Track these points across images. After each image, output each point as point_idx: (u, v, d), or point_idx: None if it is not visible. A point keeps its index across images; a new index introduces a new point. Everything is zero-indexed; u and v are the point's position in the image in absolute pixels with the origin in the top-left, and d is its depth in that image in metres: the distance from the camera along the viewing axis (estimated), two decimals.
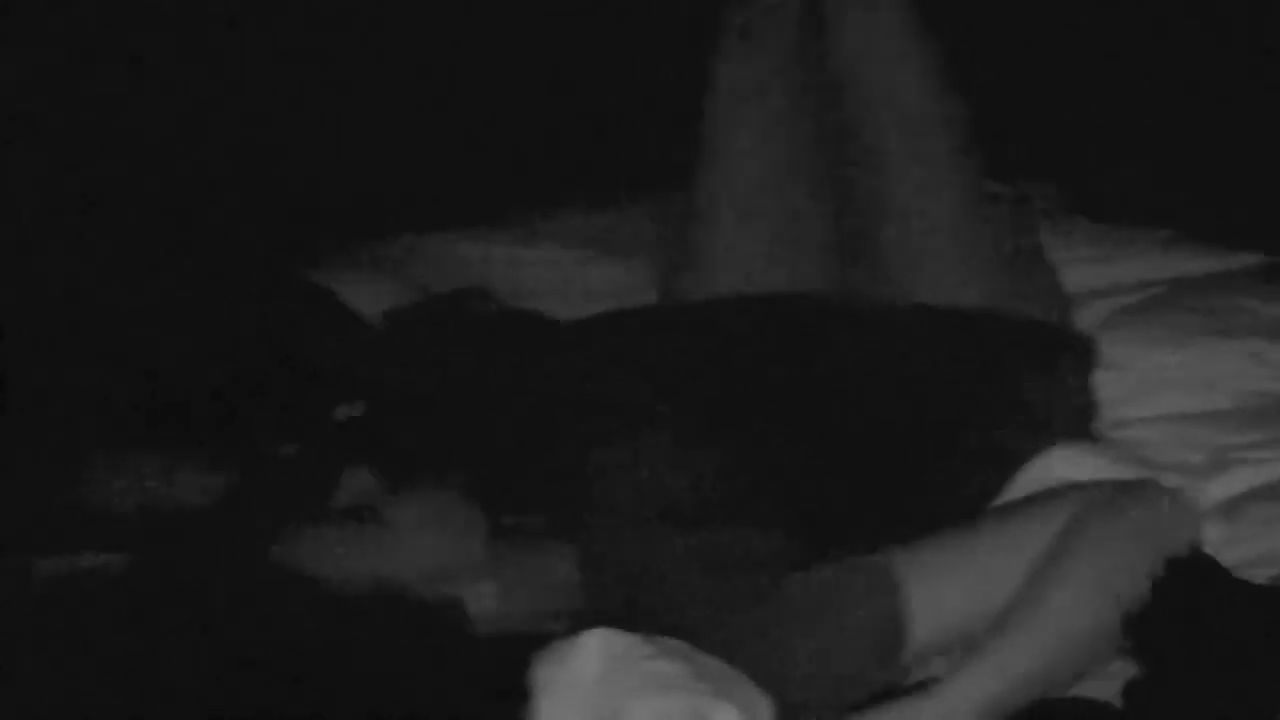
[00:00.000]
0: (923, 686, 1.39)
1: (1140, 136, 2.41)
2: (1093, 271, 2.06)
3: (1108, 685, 1.38)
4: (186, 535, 1.54)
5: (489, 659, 1.40)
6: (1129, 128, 2.43)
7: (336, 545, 1.42)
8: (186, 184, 2.36)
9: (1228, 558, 1.50)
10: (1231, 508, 1.64)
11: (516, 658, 1.39)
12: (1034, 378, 1.78)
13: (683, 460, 1.57)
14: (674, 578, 1.47)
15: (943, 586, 1.43)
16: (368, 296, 1.97)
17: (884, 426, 1.70)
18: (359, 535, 1.42)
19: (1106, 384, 1.84)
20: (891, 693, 1.40)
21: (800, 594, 1.43)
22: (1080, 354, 1.85)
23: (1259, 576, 1.48)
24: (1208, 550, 1.47)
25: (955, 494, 1.66)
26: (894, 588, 1.42)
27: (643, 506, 1.53)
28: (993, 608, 1.41)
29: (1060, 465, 1.65)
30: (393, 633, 1.37)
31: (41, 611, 1.45)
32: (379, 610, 1.38)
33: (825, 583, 1.44)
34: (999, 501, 1.64)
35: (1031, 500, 1.52)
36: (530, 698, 1.33)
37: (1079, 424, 1.80)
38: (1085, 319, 1.94)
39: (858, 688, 1.41)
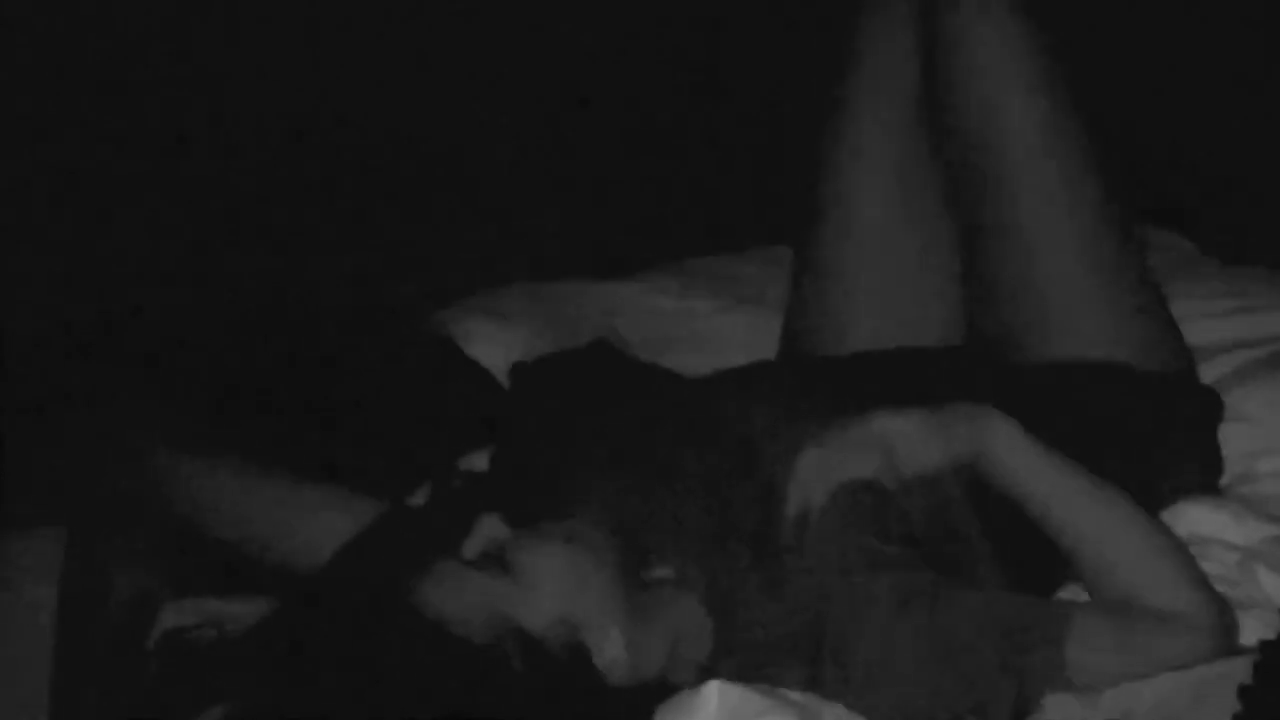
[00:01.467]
0: None
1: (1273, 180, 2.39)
2: (1224, 323, 2.02)
3: None
4: (318, 582, 1.58)
5: (614, 710, 1.42)
6: (1263, 172, 2.40)
7: (464, 593, 1.43)
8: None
9: None
10: None
11: (642, 709, 1.41)
12: (1162, 433, 1.76)
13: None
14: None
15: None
16: (489, 345, 1.99)
17: None
18: (487, 583, 1.43)
19: (1236, 437, 1.82)
20: None
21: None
22: (1207, 409, 1.83)
23: None
24: None
25: None
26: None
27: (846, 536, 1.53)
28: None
29: (1186, 520, 1.64)
30: (519, 681, 1.39)
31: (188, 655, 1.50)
32: (505, 659, 1.40)
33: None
34: None
35: None
36: None
37: (1205, 479, 1.78)
38: (1215, 371, 1.92)
39: None
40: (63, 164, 2.36)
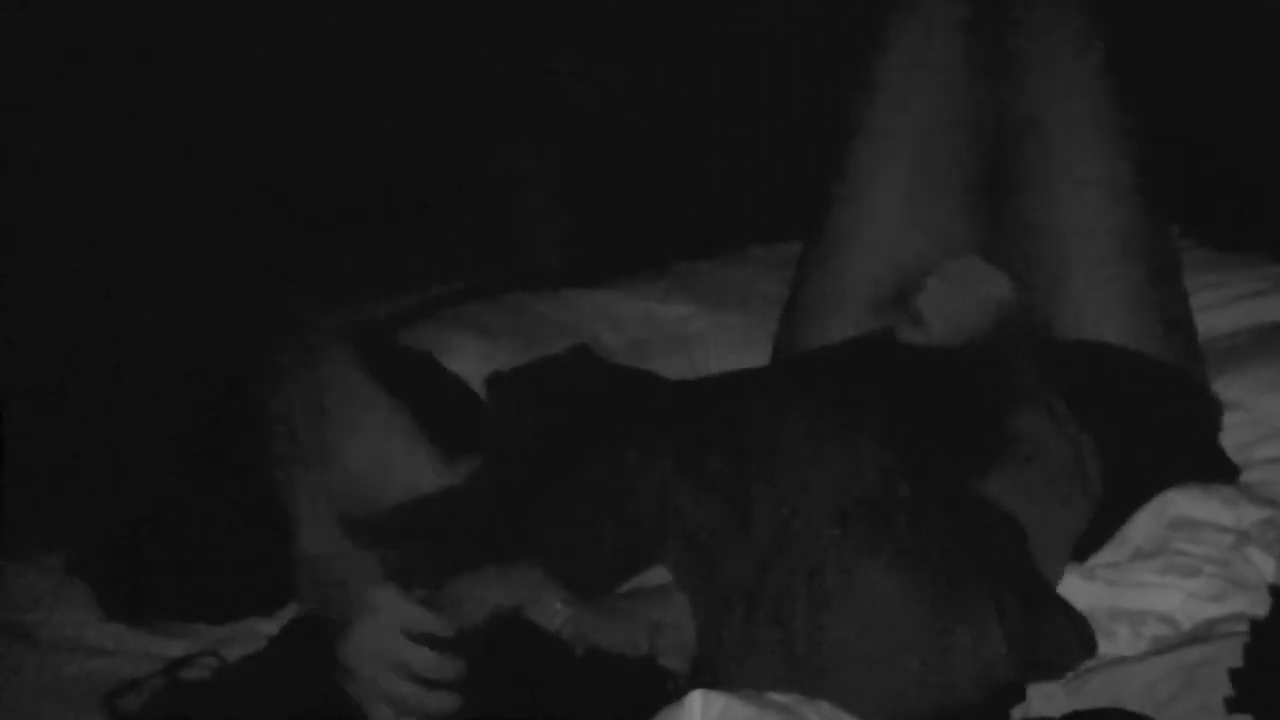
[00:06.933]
0: None
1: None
2: (1218, 312, 2.02)
3: None
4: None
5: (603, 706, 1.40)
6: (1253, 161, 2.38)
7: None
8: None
9: None
10: None
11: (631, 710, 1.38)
12: (1161, 423, 1.74)
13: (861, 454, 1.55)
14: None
15: None
16: (471, 357, 1.97)
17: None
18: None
19: (1226, 424, 1.80)
20: None
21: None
22: (1207, 411, 1.80)
23: None
24: None
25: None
26: None
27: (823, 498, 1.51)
28: None
29: (1177, 503, 1.62)
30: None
31: None
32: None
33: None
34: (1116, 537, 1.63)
35: None
36: None
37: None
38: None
39: None
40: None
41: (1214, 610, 1.49)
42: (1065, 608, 1.50)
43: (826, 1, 2.46)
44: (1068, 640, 1.46)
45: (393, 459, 1.64)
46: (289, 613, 1.68)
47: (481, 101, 2.59)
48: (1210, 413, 1.80)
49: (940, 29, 1.88)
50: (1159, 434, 1.74)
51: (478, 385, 1.88)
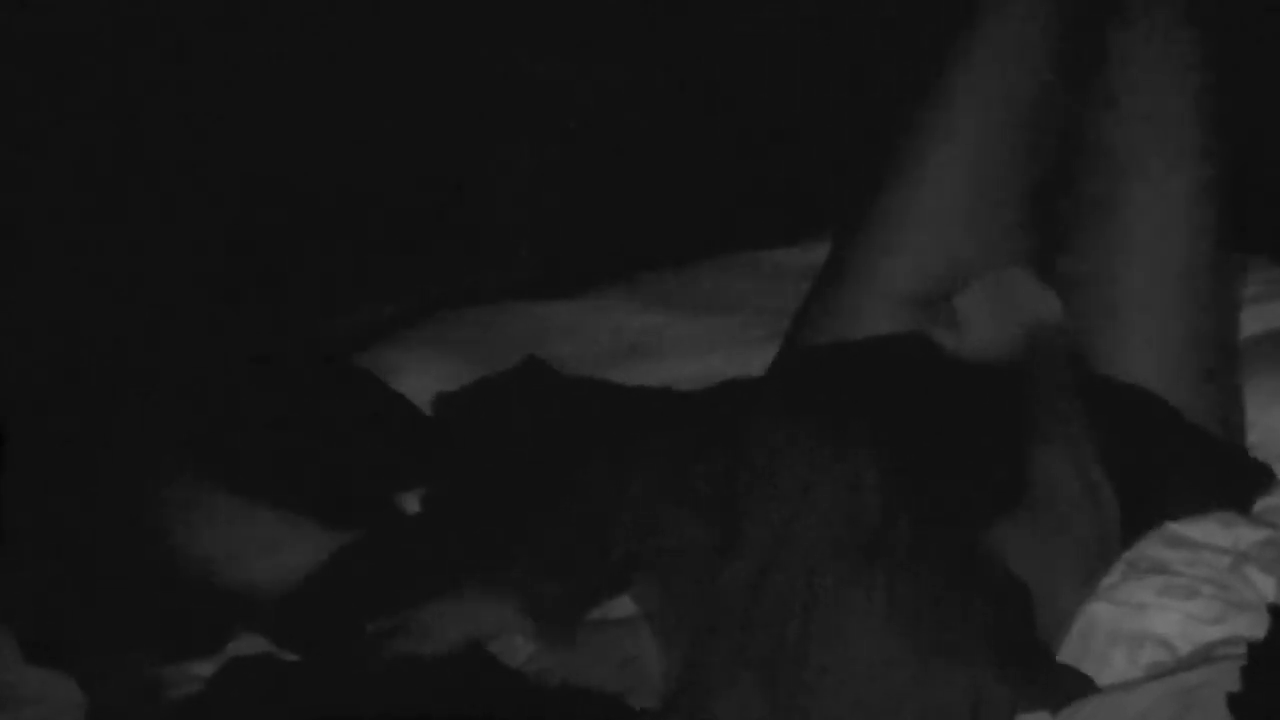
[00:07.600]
0: None
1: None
2: None
3: None
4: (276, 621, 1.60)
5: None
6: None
7: None
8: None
9: None
10: None
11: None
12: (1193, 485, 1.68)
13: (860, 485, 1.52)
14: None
15: None
16: (425, 376, 1.94)
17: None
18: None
19: None
20: None
21: None
22: (1252, 481, 1.73)
23: None
24: None
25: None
26: None
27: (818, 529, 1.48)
28: None
29: (1173, 529, 1.60)
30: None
31: None
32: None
33: None
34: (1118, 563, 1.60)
35: None
36: None
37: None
38: None
39: None
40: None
41: (1213, 633, 1.48)
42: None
43: (827, 1, 2.44)
44: (1062, 671, 1.46)
45: (278, 555, 1.63)
46: (227, 654, 1.65)
47: (479, 101, 2.58)
48: (1247, 479, 1.73)
49: (1031, 29, 1.80)
50: (1187, 486, 1.68)
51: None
